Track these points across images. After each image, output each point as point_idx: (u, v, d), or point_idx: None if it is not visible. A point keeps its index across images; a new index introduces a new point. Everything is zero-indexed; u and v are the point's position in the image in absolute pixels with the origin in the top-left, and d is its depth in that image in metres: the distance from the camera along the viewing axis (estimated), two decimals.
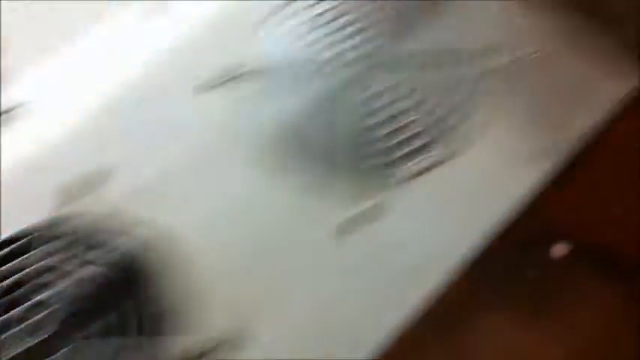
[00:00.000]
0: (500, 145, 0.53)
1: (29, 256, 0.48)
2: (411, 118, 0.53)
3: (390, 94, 0.53)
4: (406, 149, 0.54)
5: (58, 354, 0.43)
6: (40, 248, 0.47)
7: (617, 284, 1.21)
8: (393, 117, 0.54)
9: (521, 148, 0.52)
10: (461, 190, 0.52)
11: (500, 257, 1.22)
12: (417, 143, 0.54)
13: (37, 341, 0.44)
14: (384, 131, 0.54)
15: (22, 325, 0.44)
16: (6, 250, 0.47)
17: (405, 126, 0.54)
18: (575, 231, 1.20)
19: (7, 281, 0.46)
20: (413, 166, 0.53)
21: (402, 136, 0.54)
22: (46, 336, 0.44)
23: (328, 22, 0.55)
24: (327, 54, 0.54)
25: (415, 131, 0.54)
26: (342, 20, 0.55)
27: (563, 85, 0.52)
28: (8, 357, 0.43)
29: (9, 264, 0.47)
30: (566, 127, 0.51)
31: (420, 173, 0.52)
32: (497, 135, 0.54)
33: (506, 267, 1.21)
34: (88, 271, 0.46)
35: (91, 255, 0.47)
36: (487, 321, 1.17)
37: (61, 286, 0.45)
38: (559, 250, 1.23)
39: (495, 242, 1.24)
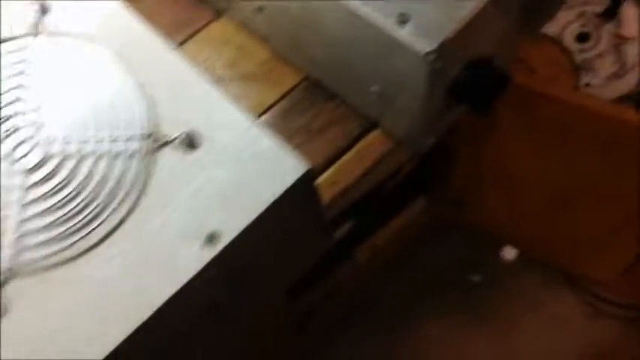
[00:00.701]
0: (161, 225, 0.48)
1: None
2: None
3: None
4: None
5: None
6: None
7: (567, 294, 1.32)
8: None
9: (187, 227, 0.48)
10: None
11: (440, 262, 1.34)
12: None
13: None
14: None
15: None
16: None
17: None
18: (525, 239, 1.36)
19: None
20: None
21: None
22: None
23: None
24: None
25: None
26: None
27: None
28: None
29: None
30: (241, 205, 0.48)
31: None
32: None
33: (447, 272, 1.33)
34: None
35: None
36: (429, 328, 1.25)
37: None
38: (509, 253, 1.45)
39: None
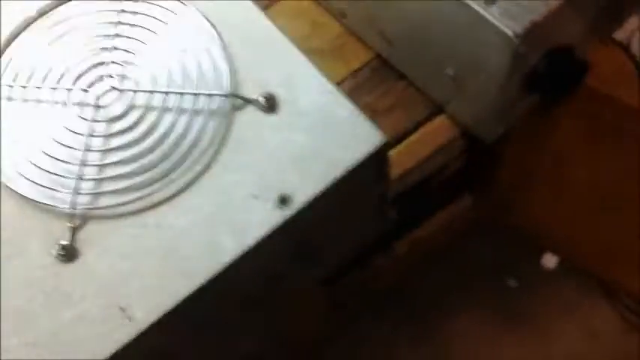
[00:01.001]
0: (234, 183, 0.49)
1: None
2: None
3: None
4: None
5: None
6: None
7: (603, 305, 1.26)
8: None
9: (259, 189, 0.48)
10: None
11: (479, 262, 1.29)
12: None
13: None
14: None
15: None
16: None
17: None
18: (566, 244, 1.34)
19: None
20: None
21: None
22: None
23: None
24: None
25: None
26: None
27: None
28: None
29: None
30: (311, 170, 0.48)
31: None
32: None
33: (484, 274, 1.28)
34: None
35: None
36: (460, 323, 1.23)
37: None
38: (549, 261, 1.43)
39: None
